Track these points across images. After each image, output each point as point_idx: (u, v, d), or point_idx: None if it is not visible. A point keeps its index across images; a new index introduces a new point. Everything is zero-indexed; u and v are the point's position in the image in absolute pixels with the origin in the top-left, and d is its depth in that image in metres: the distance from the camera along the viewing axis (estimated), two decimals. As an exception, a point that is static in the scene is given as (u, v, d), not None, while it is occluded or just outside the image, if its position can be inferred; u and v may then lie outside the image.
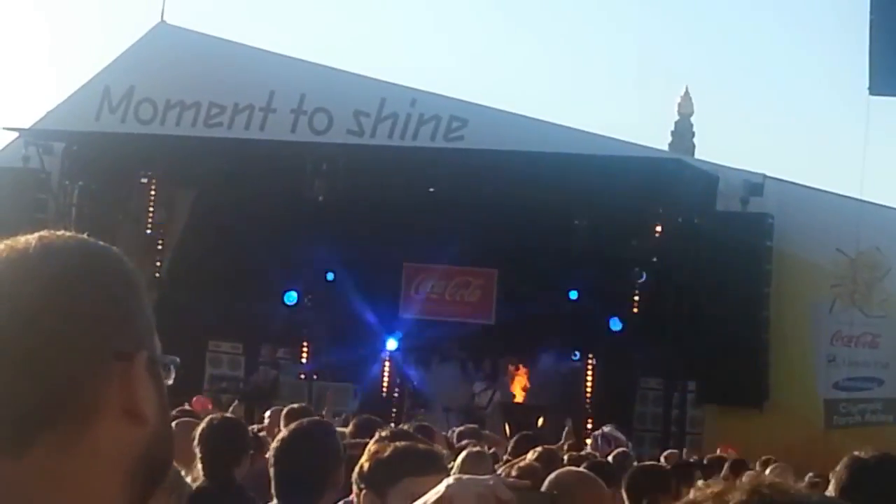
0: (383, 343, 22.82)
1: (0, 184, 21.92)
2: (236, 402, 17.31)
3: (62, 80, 70.88)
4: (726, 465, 10.27)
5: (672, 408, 21.07)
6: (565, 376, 21.96)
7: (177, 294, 21.38)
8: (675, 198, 19.98)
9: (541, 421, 20.38)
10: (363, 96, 20.95)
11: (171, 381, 1.43)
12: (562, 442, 14.68)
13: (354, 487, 3.57)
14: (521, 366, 22.26)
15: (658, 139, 39.23)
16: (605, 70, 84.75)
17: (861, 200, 21.47)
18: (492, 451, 10.40)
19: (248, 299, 21.46)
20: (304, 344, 23.49)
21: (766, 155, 74.32)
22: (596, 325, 20.74)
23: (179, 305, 20.55)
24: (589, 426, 19.00)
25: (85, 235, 1.44)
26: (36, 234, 1.41)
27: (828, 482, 4.10)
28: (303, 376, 23.09)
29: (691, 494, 1.00)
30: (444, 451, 10.21)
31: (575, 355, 21.85)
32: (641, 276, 20.49)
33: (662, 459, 12.56)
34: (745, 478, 1.03)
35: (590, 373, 21.84)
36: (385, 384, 23.20)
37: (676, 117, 30.60)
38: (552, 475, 5.01)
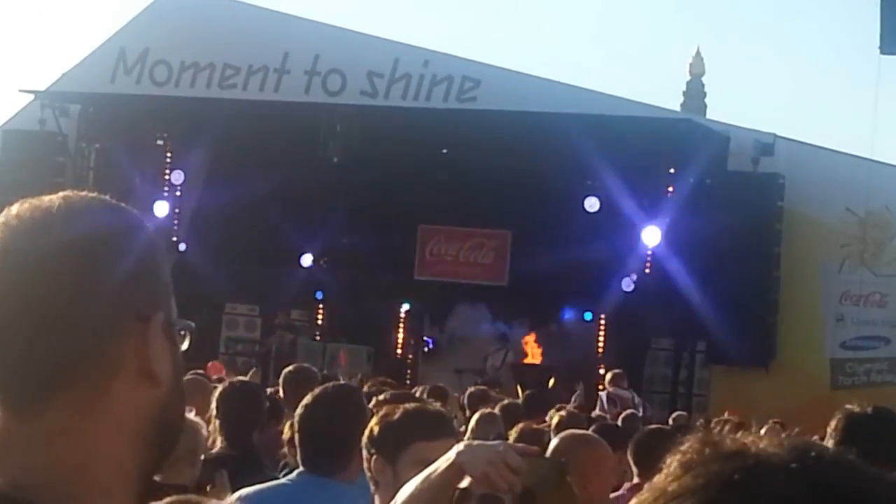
0: (398, 305, 22.89)
1: (18, 147, 21.97)
2: (254, 368, 17.41)
3: (78, 42, 70.79)
4: (727, 429, 10.30)
5: (681, 369, 21.14)
6: (577, 337, 22.01)
7: (193, 257, 21.47)
8: (686, 158, 19.93)
9: (552, 381, 20.44)
10: (376, 57, 20.89)
11: (185, 347, 1.45)
12: (574, 404, 14.72)
13: (364, 452, 3.52)
14: (532, 327, 22.30)
15: (670, 100, 39.11)
16: (617, 30, 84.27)
17: (871, 160, 21.41)
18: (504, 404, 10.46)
19: (264, 262, 21.54)
20: (320, 306, 23.58)
21: (777, 115, 73.95)
22: (608, 286, 20.77)
23: (196, 268, 20.64)
24: (600, 388, 19.06)
25: (106, 197, 1.45)
26: (59, 194, 1.42)
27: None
28: (318, 338, 23.18)
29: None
30: (457, 414, 10.30)
31: (587, 316, 21.89)
32: (653, 238, 20.48)
33: (671, 422, 12.62)
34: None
35: (602, 333, 21.90)
36: (399, 346, 23.28)
37: (688, 77, 30.45)
38: (556, 438, 5.06)
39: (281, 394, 7.64)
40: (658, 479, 0.99)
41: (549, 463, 3.00)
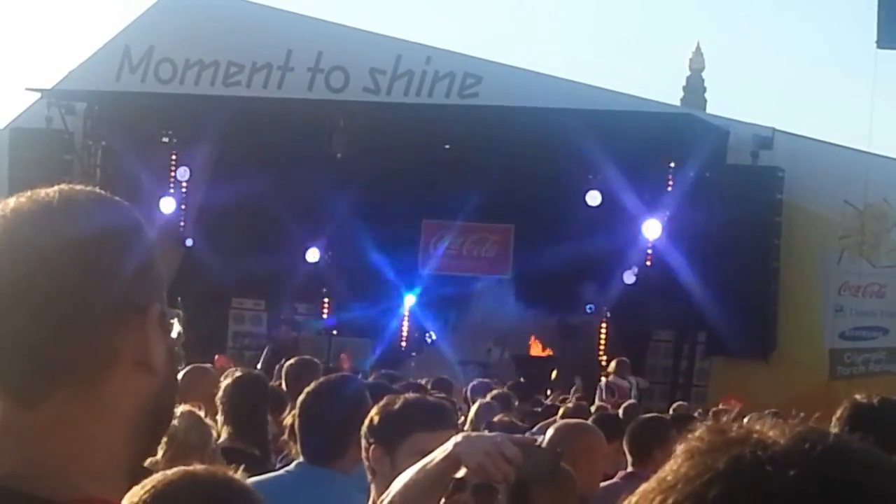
0: (402, 299, 22.91)
1: (25, 145, 21.99)
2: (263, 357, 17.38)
3: (83, 40, 70.80)
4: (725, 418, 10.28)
5: (682, 360, 21.16)
6: (579, 329, 22.02)
7: (200, 252, 21.50)
8: (686, 152, 19.96)
9: (554, 373, 20.47)
10: (379, 54, 20.92)
11: (175, 334, 1.47)
12: (573, 395, 14.77)
13: (363, 441, 3.49)
14: (535, 320, 22.31)
15: (670, 95, 39.12)
16: (617, 26, 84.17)
17: (869, 153, 21.41)
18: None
19: (269, 256, 21.57)
20: (325, 300, 23.60)
21: (777, 109, 73.95)
22: (610, 279, 20.80)
23: (202, 263, 20.66)
24: (603, 378, 19.09)
25: (102, 191, 1.47)
26: (55, 188, 1.43)
27: (831, 431, 4.14)
28: (323, 332, 23.22)
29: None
30: (462, 406, 10.30)
31: (589, 308, 21.90)
32: (654, 231, 20.51)
33: (671, 412, 12.66)
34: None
35: (603, 326, 21.92)
36: (404, 339, 23.31)
37: (688, 73, 30.46)
38: (551, 430, 5.08)
39: (284, 386, 7.61)
40: (666, 466, 0.98)
41: (544, 453, 3.01)
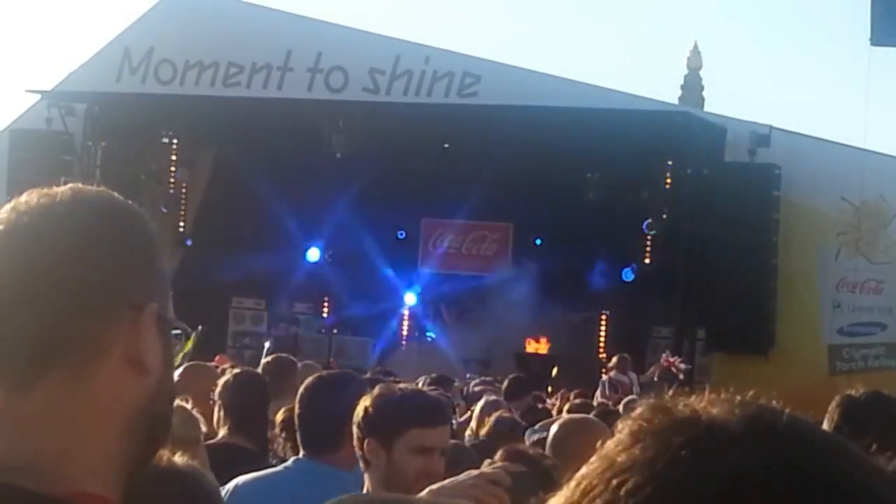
0: (402, 297, 22.90)
1: (25, 146, 21.95)
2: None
3: (83, 42, 70.76)
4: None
5: (681, 356, 21.14)
6: (579, 326, 22.01)
7: (200, 252, 21.47)
8: (684, 150, 19.95)
9: (555, 370, 20.45)
10: (378, 54, 20.87)
11: (186, 349, 1.46)
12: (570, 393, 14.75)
13: (356, 431, 3.42)
14: (535, 318, 22.29)
15: (668, 94, 39.10)
16: (616, 25, 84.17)
17: (865, 150, 21.39)
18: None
19: (269, 256, 21.56)
20: (325, 299, 23.59)
21: (773, 107, 73.95)
22: (609, 276, 20.78)
23: (203, 264, 20.64)
24: (603, 374, 19.07)
25: (111, 191, 1.47)
26: (68, 185, 1.44)
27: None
28: (323, 331, 23.21)
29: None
30: (459, 402, 10.31)
31: (589, 305, 21.91)
32: (653, 229, 20.49)
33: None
34: None
35: (603, 323, 21.90)
36: (404, 338, 23.30)
37: (686, 71, 30.40)
38: (555, 424, 5.07)
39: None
40: (608, 446, 0.93)
41: (530, 476, 2.98)
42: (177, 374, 2.61)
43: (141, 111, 21.39)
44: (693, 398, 0.95)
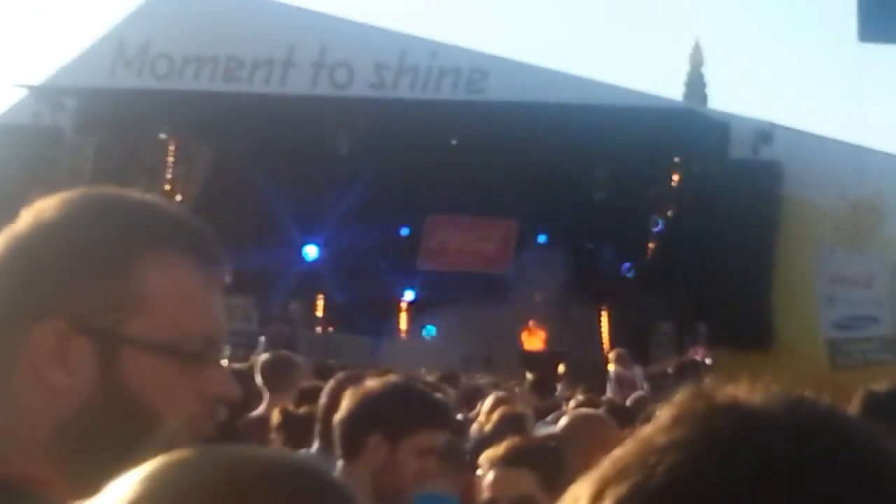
0: (401, 295, 22.71)
1: (11, 141, 21.37)
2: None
3: (76, 35, 69.30)
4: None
5: (683, 352, 21.23)
6: (583, 323, 22.00)
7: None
8: (689, 147, 20.07)
9: (561, 367, 20.41)
10: (384, 49, 20.65)
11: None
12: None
13: (348, 423, 3.36)
14: (538, 314, 22.26)
15: (673, 91, 39.37)
16: (620, 22, 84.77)
17: (862, 147, 21.63)
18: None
19: (264, 253, 21.24)
20: (320, 296, 23.31)
21: (775, 104, 75.09)
22: (612, 273, 20.78)
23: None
24: (611, 370, 19.08)
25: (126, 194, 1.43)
26: (100, 190, 1.43)
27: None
28: (319, 329, 22.93)
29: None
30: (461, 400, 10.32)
31: (593, 301, 21.91)
32: (657, 225, 20.53)
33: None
34: None
35: (606, 319, 21.92)
36: (404, 335, 23.11)
37: (688, 68, 30.52)
38: (564, 419, 5.20)
39: (260, 380, 7.52)
40: (646, 430, 0.93)
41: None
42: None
43: (136, 106, 20.92)
44: (731, 387, 0.97)
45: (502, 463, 3.45)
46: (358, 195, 20.81)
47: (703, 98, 28.41)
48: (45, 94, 21.54)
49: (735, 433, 0.89)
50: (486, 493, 3.45)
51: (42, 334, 1.36)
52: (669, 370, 19.61)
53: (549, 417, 8.37)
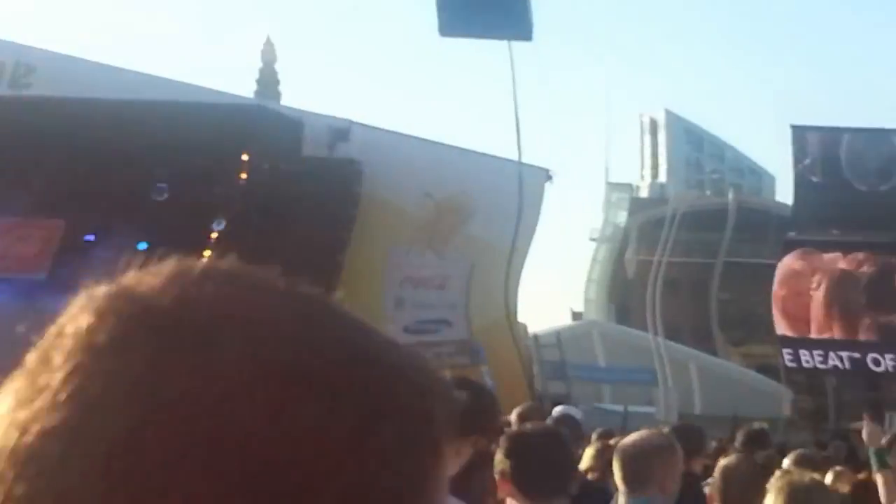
0: None
1: None
2: None
3: None
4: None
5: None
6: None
7: None
8: (259, 144, 19.44)
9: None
10: None
11: None
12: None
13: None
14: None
15: (245, 88, 38.82)
16: (186, 18, 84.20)
17: (446, 144, 21.54)
18: None
19: None
20: None
21: (351, 101, 76.36)
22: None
23: None
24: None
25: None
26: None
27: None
28: None
29: None
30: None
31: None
32: (220, 224, 19.80)
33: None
34: None
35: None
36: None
37: (261, 65, 30.04)
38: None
39: None
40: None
41: None
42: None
43: None
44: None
45: None
46: None
47: (277, 95, 28.10)
48: None
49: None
50: None
51: None
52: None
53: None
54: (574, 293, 76.77)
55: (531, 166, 21.93)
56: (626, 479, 4.59)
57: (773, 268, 33.80)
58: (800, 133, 32.03)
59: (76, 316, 0.79)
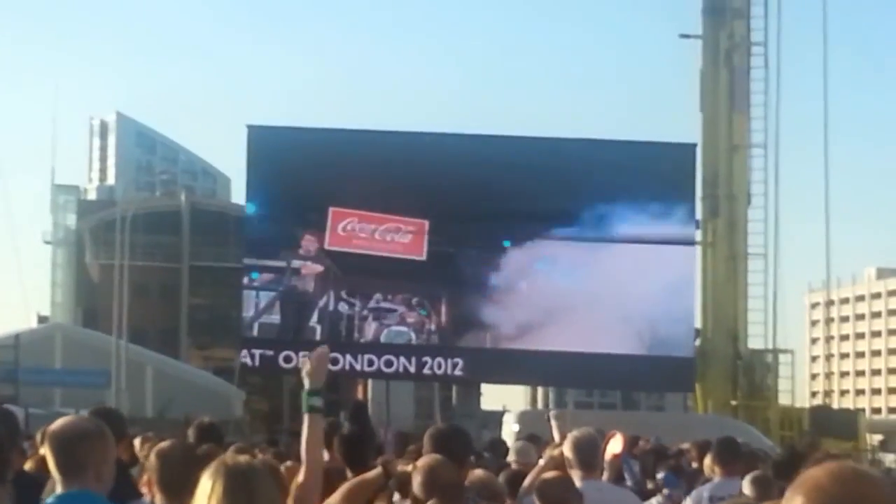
0: None
1: None
2: None
3: None
4: None
5: None
6: None
7: None
8: None
9: None
10: None
11: None
12: None
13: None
14: None
15: None
16: None
17: None
18: None
19: None
20: None
21: None
22: None
23: None
24: None
25: None
26: None
27: None
28: None
29: None
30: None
31: None
32: None
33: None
34: None
35: None
36: None
37: None
38: None
39: None
40: None
41: None
42: None
43: None
44: None
45: None
46: None
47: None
48: None
49: None
50: None
51: None
52: None
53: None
54: (42, 297, 74.14)
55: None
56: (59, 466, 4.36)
57: (237, 271, 34.30)
58: (256, 133, 32.73)
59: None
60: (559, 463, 6.60)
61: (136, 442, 9.13)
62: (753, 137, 36.05)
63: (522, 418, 26.80)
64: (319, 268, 31.25)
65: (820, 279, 70.70)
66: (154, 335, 54.22)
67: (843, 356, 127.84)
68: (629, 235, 31.20)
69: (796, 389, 40.39)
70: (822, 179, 37.36)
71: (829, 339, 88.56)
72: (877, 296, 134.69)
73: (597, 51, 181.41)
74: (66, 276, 68.73)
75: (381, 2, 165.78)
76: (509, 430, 25.11)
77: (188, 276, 60.35)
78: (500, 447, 13.13)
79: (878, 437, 56.27)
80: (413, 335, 31.47)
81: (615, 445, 7.28)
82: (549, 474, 6.09)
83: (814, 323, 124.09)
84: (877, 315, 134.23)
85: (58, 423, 4.53)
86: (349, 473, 6.17)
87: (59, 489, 4.43)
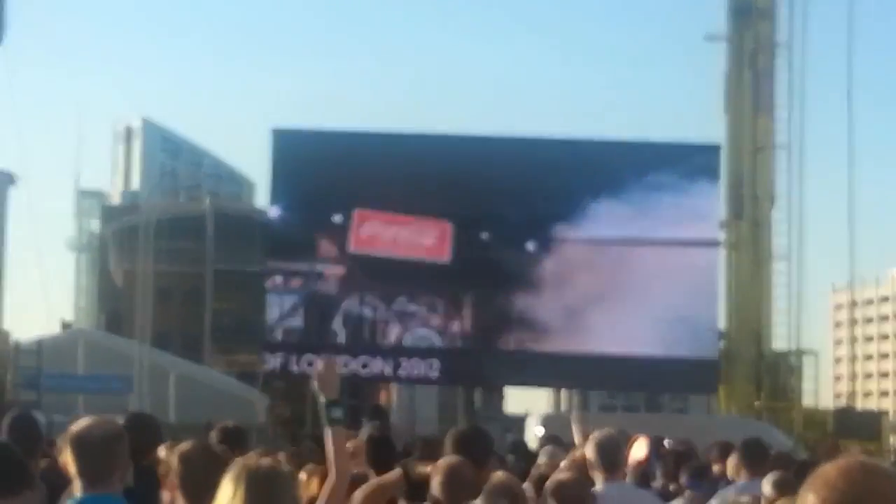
0: None
1: None
2: None
3: None
4: None
5: None
6: None
7: None
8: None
9: None
10: None
11: None
12: None
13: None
14: None
15: None
16: None
17: None
18: None
19: None
20: None
21: None
22: None
23: None
24: None
25: None
26: None
27: None
28: None
29: None
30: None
31: None
32: None
33: None
34: None
35: None
36: None
37: None
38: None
39: None
40: None
41: None
42: None
43: None
44: None
45: None
46: None
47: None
48: None
49: None
50: None
51: None
52: None
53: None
54: (66, 302, 74.17)
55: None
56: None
57: (261, 275, 34.30)
58: (281, 136, 32.79)
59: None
60: (581, 465, 6.59)
61: (162, 448, 9.14)
62: (778, 138, 36.02)
63: (546, 421, 26.77)
64: (343, 270, 31.31)
65: (844, 280, 70.39)
66: (177, 340, 54.31)
67: (867, 357, 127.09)
68: (653, 237, 31.12)
69: (820, 391, 40.30)
70: (846, 180, 37.31)
71: (852, 340, 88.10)
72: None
73: (622, 52, 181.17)
74: (89, 282, 68.93)
75: (399, 3, 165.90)
76: (532, 433, 25.09)
77: (212, 281, 60.43)
78: (522, 449, 13.11)
79: (901, 439, 55.96)
80: (437, 338, 31.47)
81: (639, 450, 7.26)
82: (563, 475, 6.07)
83: (837, 324, 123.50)
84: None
85: (80, 426, 4.53)
86: (373, 475, 6.18)
87: (79, 493, 4.42)
